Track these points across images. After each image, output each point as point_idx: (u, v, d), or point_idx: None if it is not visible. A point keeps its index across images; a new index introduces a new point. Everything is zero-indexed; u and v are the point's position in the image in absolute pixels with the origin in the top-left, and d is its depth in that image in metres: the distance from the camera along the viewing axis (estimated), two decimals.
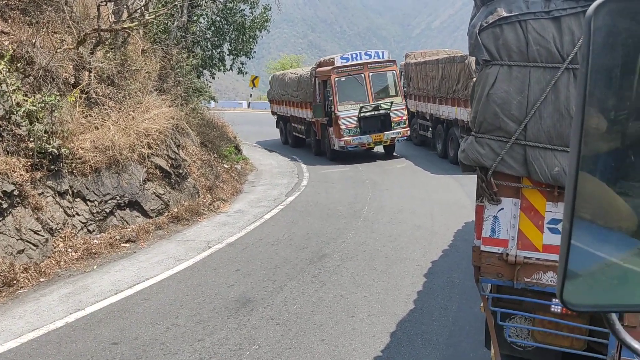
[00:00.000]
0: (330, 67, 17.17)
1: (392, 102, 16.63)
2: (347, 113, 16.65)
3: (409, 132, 17.62)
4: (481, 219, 3.62)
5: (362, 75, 16.86)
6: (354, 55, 17.24)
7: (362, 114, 16.51)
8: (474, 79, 3.61)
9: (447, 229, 9.35)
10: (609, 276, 0.99)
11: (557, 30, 3.18)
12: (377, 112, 16.63)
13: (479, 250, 3.64)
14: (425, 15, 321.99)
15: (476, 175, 3.65)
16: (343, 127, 16.62)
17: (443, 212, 10.60)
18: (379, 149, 18.36)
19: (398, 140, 17.45)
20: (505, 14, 3.27)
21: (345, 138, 16.71)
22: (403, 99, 17.51)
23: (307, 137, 20.63)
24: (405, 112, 17.40)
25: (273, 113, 24.75)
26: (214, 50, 19.32)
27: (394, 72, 17.35)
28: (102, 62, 10.75)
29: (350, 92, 16.87)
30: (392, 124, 16.84)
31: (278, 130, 24.28)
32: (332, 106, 16.84)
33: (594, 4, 0.85)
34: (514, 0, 3.29)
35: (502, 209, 3.56)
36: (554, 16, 3.19)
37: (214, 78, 20.80)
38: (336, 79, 16.74)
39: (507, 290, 3.66)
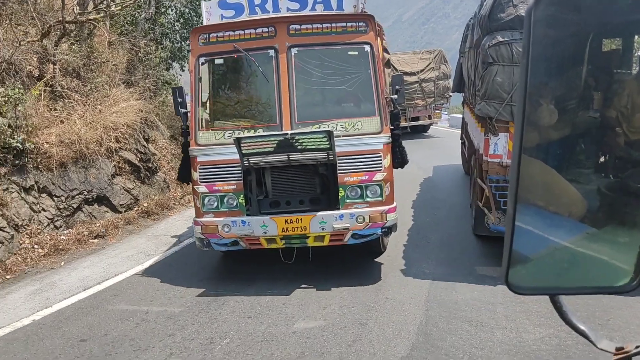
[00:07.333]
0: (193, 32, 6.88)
1: (329, 134, 5.75)
2: (219, 153, 6.48)
3: (395, 215, 6.56)
4: (488, 144, 6.80)
5: (271, 52, 6.56)
6: None
7: (246, 156, 6.11)
8: (484, 72, 6.67)
9: (418, 220, 9.45)
10: (558, 259, 1.02)
11: None
12: (293, 156, 6.16)
13: (486, 161, 6.87)
14: (396, 8, 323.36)
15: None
16: (202, 189, 6.50)
17: (415, 206, 10.69)
18: None
19: (358, 235, 6.41)
20: (500, 40, 6.45)
21: (206, 219, 6.48)
22: (386, 123, 6.45)
23: None
24: (388, 162, 6.43)
25: None
26: (183, 42, 19.02)
27: (370, 46, 6.53)
28: (67, 55, 10.51)
29: (236, 97, 7.31)
30: (341, 192, 6.36)
31: None
32: (189, 131, 6.76)
33: None
34: (506, 32, 6.45)
35: (499, 138, 6.74)
36: None
37: (183, 70, 20.46)
38: (201, 61, 6.74)
39: (501, 182, 6.73)
